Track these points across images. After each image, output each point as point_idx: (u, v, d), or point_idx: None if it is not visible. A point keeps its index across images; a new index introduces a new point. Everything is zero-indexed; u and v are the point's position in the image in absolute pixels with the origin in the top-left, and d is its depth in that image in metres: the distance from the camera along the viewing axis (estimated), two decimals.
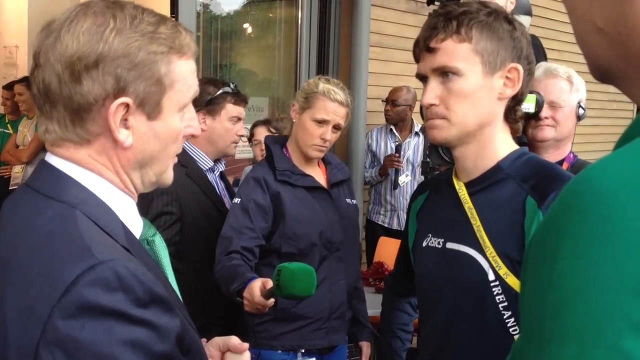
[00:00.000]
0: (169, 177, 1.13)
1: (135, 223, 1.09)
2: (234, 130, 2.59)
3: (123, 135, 1.00)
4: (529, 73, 1.50)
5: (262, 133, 3.76)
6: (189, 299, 2.25)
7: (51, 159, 1.03)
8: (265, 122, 4.02)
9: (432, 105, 1.48)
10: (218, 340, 1.28)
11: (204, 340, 1.24)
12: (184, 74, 1.04)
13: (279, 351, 2.39)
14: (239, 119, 2.61)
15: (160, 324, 0.90)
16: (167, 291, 1.00)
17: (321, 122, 2.40)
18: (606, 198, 0.52)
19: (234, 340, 1.27)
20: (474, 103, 1.46)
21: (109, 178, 1.03)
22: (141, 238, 1.12)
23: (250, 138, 4.03)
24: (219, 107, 2.56)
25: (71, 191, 1.00)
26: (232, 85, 2.62)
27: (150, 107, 1.01)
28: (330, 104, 2.40)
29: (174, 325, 0.94)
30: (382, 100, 4.79)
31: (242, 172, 4.19)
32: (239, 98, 2.62)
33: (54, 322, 0.85)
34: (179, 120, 1.07)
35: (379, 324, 2.04)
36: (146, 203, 2.35)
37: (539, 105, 2.22)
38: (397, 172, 4.55)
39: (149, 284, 0.91)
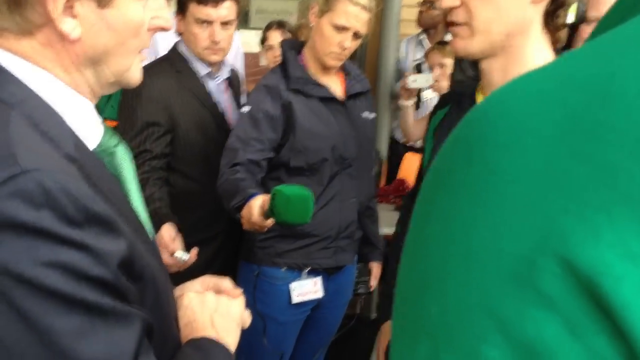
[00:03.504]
0: (133, 76, 0.98)
1: (90, 130, 0.95)
2: (202, 35, 2.32)
3: (68, 25, 0.85)
4: None
5: (275, 37, 3.51)
6: (183, 212, 2.19)
7: None
8: (280, 25, 3.69)
9: (452, 8, 1.29)
10: (209, 280, 1.15)
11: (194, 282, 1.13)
12: None
13: (283, 269, 2.29)
14: (208, 22, 2.31)
15: (96, 246, 0.78)
16: (119, 208, 0.87)
17: (341, 29, 2.20)
18: (502, 134, 0.34)
19: (227, 283, 1.14)
20: (499, 7, 1.26)
21: (59, 76, 0.89)
22: (100, 148, 0.98)
23: (263, 41, 3.73)
24: (185, 6, 2.33)
25: (9, 87, 0.86)
26: None
27: None
28: (352, 8, 2.19)
29: (116, 248, 0.81)
30: (418, 3, 4.46)
31: None
32: None
33: None
34: (141, 9, 0.92)
35: (390, 243, 1.91)
36: (129, 112, 2.23)
37: (580, 15, 1.98)
38: (420, 90, 4.02)
39: (84, 200, 0.78)
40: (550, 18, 1.31)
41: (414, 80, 3.50)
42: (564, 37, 1.38)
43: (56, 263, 0.74)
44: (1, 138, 0.79)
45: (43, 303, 0.73)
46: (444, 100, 1.60)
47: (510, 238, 0.32)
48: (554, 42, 1.35)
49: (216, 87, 2.44)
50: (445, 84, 3.31)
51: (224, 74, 2.47)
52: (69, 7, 0.84)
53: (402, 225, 1.85)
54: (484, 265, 0.33)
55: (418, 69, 4.05)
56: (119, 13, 0.89)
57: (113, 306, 0.78)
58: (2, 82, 0.86)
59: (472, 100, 1.41)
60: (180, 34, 2.42)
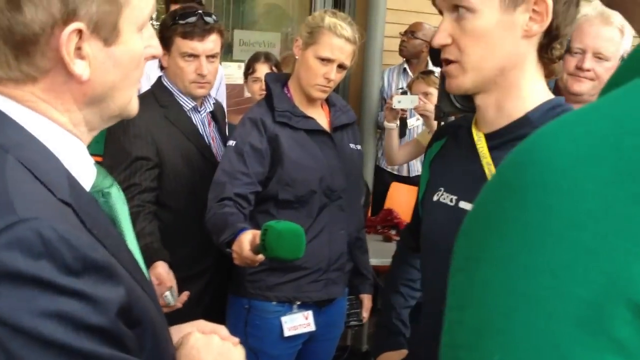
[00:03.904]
0: (133, 107, 0.99)
1: (85, 171, 0.94)
2: (188, 68, 2.32)
3: (79, 67, 0.85)
4: (565, 2, 1.25)
5: (263, 70, 3.52)
6: (171, 248, 2.17)
7: None
8: (267, 58, 3.69)
9: (443, 46, 1.29)
10: (204, 324, 1.14)
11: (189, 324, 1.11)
12: None
13: (273, 302, 2.28)
14: (194, 55, 2.32)
15: (95, 295, 0.77)
16: (117, 252, 0.87)
17: (325, 60, 2.22)
18: (554, 178, 0.34)
19: (224, 330, 1.13)
20: (490, 44, 1.25)
21: (55, 118, 0.89)
22: (95, 189, 0.97)
23: (247, 72, 3.73)
24: (170, 41, 2.32)
25: (6, 131, 0.85)
26: (197, 15, 2.29)
27: (107, 31, 0.87)
28: (336, 41, 2.21)
29: (114, 296, 0.80)
30: (400, 33, 4.51)
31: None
32: (192, 31, 2.28)
33: None
34: (140, 40, 0.93)
35: (386, 277, 1.91)
36: (116, 147, 2.22)
37: (564, 45, 2.01)
38: (405, 116, 4.01)
39: (83, 248, 0.77)
40: (545, 51, 1.29)
41: (399, 101, 3.51)
42: (559, 69, 1.38)
43: (55, 313, 0.73)
44: None
45: (42, 353, 0.72)
46: (440, 132, 1.60)
47: (575, 283, 0.32)
48: (548, 74, 1.34)
49: (201, 120, 2.44)
50: (430, 107, 3.32)
51: (208, 106, 2.48)
52: (77, 48, 0.84)
53: (399, 260, 1.83)
54: (548, 311, 0.32)
55: (404, 94, 4.07)
56: (124, 49, 0.89)
57: (112, 355, 0.77)
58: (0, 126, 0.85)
59: (469, 133, 1.40)
60: (163, 68, 2.42)
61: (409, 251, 1.78)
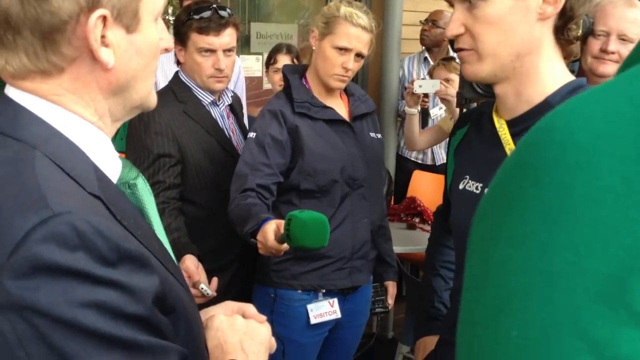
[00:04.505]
0: (153, 99, 1.00)
1: (111, 164, 0.96)
2: (205, 63, 2.33)
3: (105, 54, 0.87)
4: None
5: (284, 61, 3.52)
6: (197, 242, 2.19)
7: (10, 91, 0.90)
8: (289, 50, 3.69)
9: (456, 36, 1.28)
10: (232, 304, 1.16)
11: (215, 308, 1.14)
12: None
13: (299, 291, 2.30)
14: (211, 50, 2.33)
15: (131, 284, 0.79)
16: (147, 242, 0.88)
17: (343, 50, 2.22)
18: (573, 155, 0.35)
19: (252, 308, 1.15)
20: (505, 30, 1.23)
21: (79, 112, 0.90)
22: (121, 181, 0.99)
23: (269, 63, 3.72)
24: (185, 37, 2.33)
25: (32, 128, 0.87)
26: (211, 10, 2.30)
27: (129, 18, 0.88)
28: (353, 30, 2.22)
29: (149, 284, 0.82)
30: (421, 21, 4.49)
31: None
32: (207, 26, 2.28)
33: (3, 283, 0.74)
34: (156, 30, 0.95)
35: (424, 261, 1.90)
36: (138, 144, 2.24)
37: (585, 28, 2.00)
38: (427, 107, 4.04)
39: (116, 239, 0.79)
40: (561, 32, 1.28)
41: (420, 86, 3.47)
42: (577, 50, 1.36)
43: (93, 303, 0.75)
44: (29, 180, 0.80)
45: (82, 343, 0.73)
46: (462, 120, 1.59)
47: (596, 258, 0.32)
48: (567, 56, 1.33)
49: (220, 113, 2.46)
50: (452, 91, 3.29)
51: (226, 100, 2.49)
52: (101, 37, 0.86)
53: (435, 242, 1.84)
54: (568, 286, 0.33)
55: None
56: (144, 37, 0.91)
57: (150, 342, 0.79)
58: (25, 123, 0.87)
59: (490, 120, 1.39)
60: (179, 63, 2.44)
61: (444, 233, 1.78)
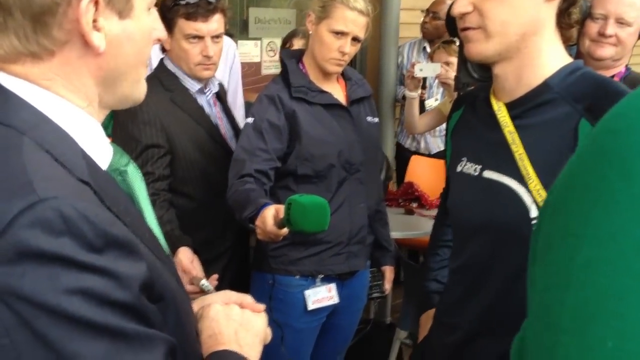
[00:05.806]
0: (143, 89, 0.99)
1: (101, 150, 0.95)
2: (193, 50, 2.26)
3: (97, 38, 0.86)
4: None
5: (299, 45, 3.46)
6: (189, 233, 2.17)
7: (0, 77, 0.89)
8: (305, 36, 3.67)
9: (464, 14, 1.27)
10: (230, 294, 1.15)
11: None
12: None
13: (297, 276, 2.30)
14: (198, 37, 2.26)
15: (117, 271, 0.77)
16: (136, 229, 0.87)
17: (339, 34, 2.21)
18: None
19: (249, 298, 1.14)
20: (514, 8, 1.24)
21: (69, 98, 0.89)
22: (112, 168, 0.98)
23: (284, 47, 3.63)
24: (172, 23, 2.24)
25: (21, 114, 0.86)
26: None
27: (121, 4, 0.88)
28: (349, 13, 2.20)
29: (137, 271, 0.81)
30: (422, 11, 4.46)
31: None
32: (195, 12, 2.20)
33: None
34: (149, 20, 0.94)
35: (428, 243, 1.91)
36: (126, 134, 2.20)
37: (584, 11, 1.99)
38: (423, 99, 4.02)
39: (103, 225, 0.78)
40: (563, 16, 1.29)
41: (421, 69, 3.45)
42: (575, 35, 1.36)
43: (79, 289, 0.73)
44: (16, 166, 0.79)
45: (68, 330, 0.72)
46: (457, 103, 1.59)
47: None
48: (566, 40, 1.33)
49: (207, 101, 2.41)
50: (452, 75, 3.29)
51: (213, 88, 2.44)
52: (92, 21, 0.85)
53: (438, 223, 1.83)
54: None
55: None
56: (136, 24, 0.90)
57: (137, 330, 0.78)
58: (14, 108, 0.86)
59: (487, 103, 1.39)
60: (164, 51, 2.38)
61: (446, 214, 1.79)
